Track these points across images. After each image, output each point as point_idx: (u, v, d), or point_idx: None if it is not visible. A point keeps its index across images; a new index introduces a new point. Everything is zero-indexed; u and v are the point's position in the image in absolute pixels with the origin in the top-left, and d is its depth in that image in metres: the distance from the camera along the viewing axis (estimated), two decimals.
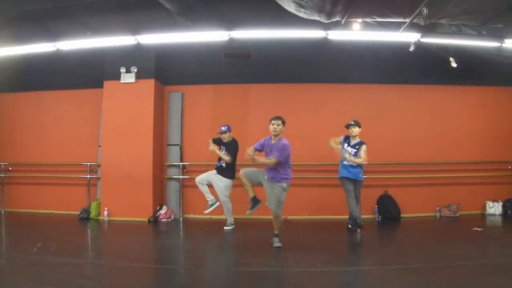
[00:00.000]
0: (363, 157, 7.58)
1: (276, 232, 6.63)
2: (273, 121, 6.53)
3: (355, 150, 7.65)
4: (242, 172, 6.80)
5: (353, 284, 4.88)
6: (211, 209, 8.18)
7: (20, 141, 10.52)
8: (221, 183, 8.06)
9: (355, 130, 7.75)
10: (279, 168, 6.42)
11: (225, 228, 8.05)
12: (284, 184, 6.47)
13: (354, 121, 7.83)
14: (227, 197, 8.08)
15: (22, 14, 7.96)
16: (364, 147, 7.63)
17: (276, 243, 6.50)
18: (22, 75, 10.15)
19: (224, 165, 8.11)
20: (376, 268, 5.43)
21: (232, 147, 8.15)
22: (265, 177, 6.56)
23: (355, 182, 7.65)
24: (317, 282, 4.97)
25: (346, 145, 7.79)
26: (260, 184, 6.70)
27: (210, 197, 8.20)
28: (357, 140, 7.75)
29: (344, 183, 7.71)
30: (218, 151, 8.13)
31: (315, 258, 5.83)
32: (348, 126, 7.83)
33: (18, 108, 10.69)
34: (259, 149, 6.65)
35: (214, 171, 8.22)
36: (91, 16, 8.27)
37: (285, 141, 6.46)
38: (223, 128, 8.19)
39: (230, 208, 8.12)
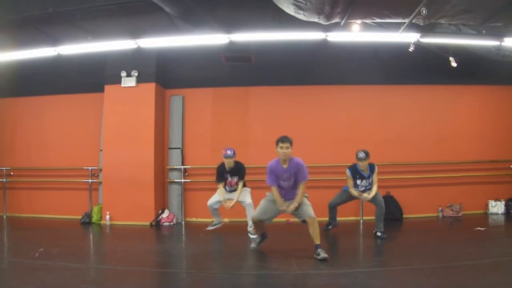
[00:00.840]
0: (376, 182, 7.55)
1: (317, 242, 5.87)
2: (281, 144, 5.98)
3: (372, 177, 7.56)
4: (256, 217, 6.40)
5: (356, 286, 4.87)
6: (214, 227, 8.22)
7: (21, 146, 10.55)
8: (245, 191, 7.98)
9: (367, 163, 7.48)
10: (296, 183, 6.15)
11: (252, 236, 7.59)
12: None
13: (365, 152, 7.49)
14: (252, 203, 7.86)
15: (22, 19, 7.99)
16: (376, 169, 7.56)
17: (322, 253, 5.73)
18: (23, 80, 10.19)
19: (234, 188, 7.97)
20: (378, 270, 5.42)
21: (237, 169, 7.91)
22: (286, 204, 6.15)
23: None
24: (319, 284, 4.96)
25: (359, 181, 7.54)
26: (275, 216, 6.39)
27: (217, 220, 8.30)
28: (367, 167, 7.51)
29: (345, 193, 7.76)
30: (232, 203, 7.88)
31: (318, 260, 5.81)
32: (360, 159, 7.48)
33: (19, 113, 10.71)
34: (276, 183, 6.17)
35: (226, 195, 7.97)
36: (91, 21, 8.29)
37: (298, 159, 6.11)
38: (229, 152, 7.82)
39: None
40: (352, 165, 7.64)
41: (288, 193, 6.18)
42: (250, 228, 7.66)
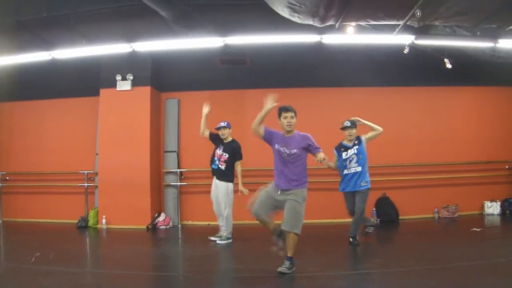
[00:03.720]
0: (376, 129, 7.13)
1: (289, 254, 5.30)
2: (285, 114, 5.41)
3: (357, 146, 6.98)
4: (254, 210, 5.45)
5: None
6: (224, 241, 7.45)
7: (17, 151, 10.50)
8: (223, 189, 7.42)
9: (354, 132, 7.03)
10: (301, 165, 5.44)
11: (219, 242, 7.42)
12: (305, 190, 5.43)
13: (351, 121, 7.08)
14: (231, 206, 7.45)
15: (17, 24, 7.98)
16: (363, 136, 7.10)
17: (284, 267, 5.24)
18: (18, 84, 10.13)
19: (223, 167, 7.42)
20: (375, 271, 5.43)
21: (231, 147, 7.50)
22: (277, 192, 5.43)
23: (356, 193, 7.00)
24: (316, 287, 4.96)
25: (344, 154, 7.01)
26: (276, 209, 5.52)
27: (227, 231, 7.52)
28: (354, 138, 7.04)
29: (347, 195, 7.11)
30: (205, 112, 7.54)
31: (314, 262, 5.82)
32: (344, 128, 7.08)
33: (14, 118, 10.69)
34: (267, 137, 5.49)
35: (213, 185, 7.55)
36: (86, 24, 8.28)
37: (302, 133, 5.50)
38: (222, 124, 7.59)
39: (231, 223, 7.50)
40: (338, 144, 7.23)
41: (284, 172, 5.41)
42: (226, 234, 7.48)
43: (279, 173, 5.47)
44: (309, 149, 5.41)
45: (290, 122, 5.40)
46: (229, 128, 7.65)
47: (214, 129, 7.75)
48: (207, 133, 7.66)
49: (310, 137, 5.45)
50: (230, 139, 7.66)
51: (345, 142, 7.16)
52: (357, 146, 7.02)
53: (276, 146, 5.45)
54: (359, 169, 6.96)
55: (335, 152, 7.19)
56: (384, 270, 5.43)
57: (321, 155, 5.26)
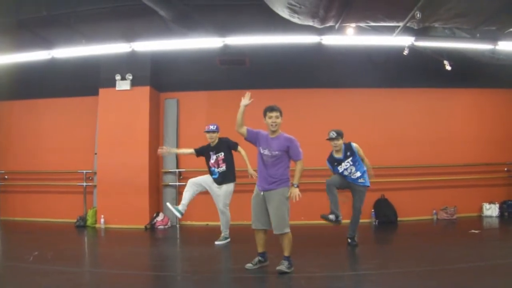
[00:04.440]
0: (364, 158, 7.04)
1: (286, 254, 5.34)
2: (269, 113, 5.45)
3: (351, 158, 6.92)
4: (253, 224, 5.55)
5: None
6: (174, 211, 7.37)
7: (16, 150, 10.51)
8: (222, 189, 7.39)
9: (339, 143, 6.86)
10: (283, 166, 5.44)
11: (217, 242, 7.38)
12: (287, 189, 5.40)
13: (336, 131, 6.90)
14: (227, 205, 7.41)
15: (17, 23, 7.97)
16: (355, 146, 6.97)
17: (282, 266, 5.25)
18: (17, 83, 10.13)
19: (224, 167, 7.35)
20: (373, 273, 5.41)
21: (222, 144, 7.42)
22: (261, 194, 5.45)
23: (353, 185, 7.00)
24: (315, 287, 4.96)
25: (340, 168, 6.96)
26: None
27: (183, 205, 7.43)
28: (342, 149, 6.93)
29: (335, 176, 7.05)
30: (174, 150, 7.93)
31: (313, 263, 5.82)
32: (331, 139, 6.90)
33: (13, 116, 10.69)
34: (250, 138, 5.60)
35: (211, 179, 7.46)
36: (85, 24, 8.30)
37: (288, 135, 5.46)
38: (211, 127, 7.41)
39: (229, 219, 7.49)
40: (329, 155, 7.15)
41: (265, 174, 5.43)
42: (224, 234, 7.51)
43: (260, 174, 5.53)
44: (289, 152, 5.42)
45: (274, 122, 5.41)
46: (218, 132, 7.48)
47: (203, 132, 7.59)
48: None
49: (294, 141, 5.43)
50: (217, 140, 7.48)
51: (335, 155, 7.05)
52: (351, 158, 6.96)
53: (260, 149, 5.49)
54: (358, 174, 6.98)
55: (328, 164, 7.20)
56: (383, 271, 5.42)
57: (294, 192, 5.37)
